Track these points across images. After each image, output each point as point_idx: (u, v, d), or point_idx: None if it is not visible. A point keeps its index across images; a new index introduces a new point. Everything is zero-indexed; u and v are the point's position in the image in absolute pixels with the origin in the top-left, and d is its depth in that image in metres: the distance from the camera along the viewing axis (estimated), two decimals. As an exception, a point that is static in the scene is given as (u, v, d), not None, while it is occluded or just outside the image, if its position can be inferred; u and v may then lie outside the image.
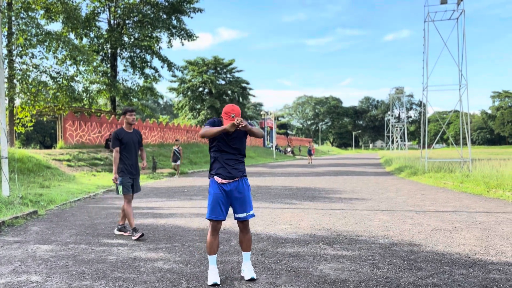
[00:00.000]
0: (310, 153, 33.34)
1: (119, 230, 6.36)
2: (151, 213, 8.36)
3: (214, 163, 4.14)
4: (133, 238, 5.97)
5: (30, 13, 19.13)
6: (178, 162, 18.42)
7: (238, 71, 54.07)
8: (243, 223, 4.18)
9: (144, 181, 16.23)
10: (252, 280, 4.08)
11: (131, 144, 6.22)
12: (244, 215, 4.13)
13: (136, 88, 29.24)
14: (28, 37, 18.70)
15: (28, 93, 19.53)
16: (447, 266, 4.51)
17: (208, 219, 4.10)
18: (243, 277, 4.17)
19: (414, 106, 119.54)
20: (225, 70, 53.26)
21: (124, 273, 4.38)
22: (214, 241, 4.14)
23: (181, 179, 17.35)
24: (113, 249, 5.41)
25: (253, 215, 4.20)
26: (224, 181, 4.07)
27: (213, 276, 4.01)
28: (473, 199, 9.94)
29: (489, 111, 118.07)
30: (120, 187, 6.05)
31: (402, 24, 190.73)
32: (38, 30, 18.97)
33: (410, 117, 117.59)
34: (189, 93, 50.90)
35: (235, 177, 4.09)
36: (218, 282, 3.98)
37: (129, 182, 6.10)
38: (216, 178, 4.10)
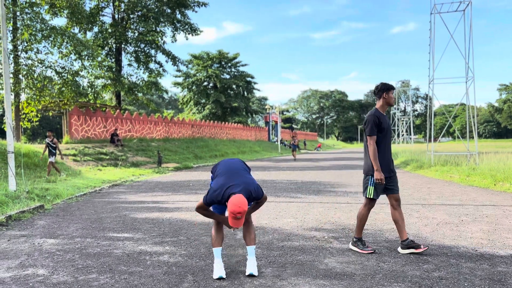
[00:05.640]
0: (294, 147, 30.01)
1: (354, 244, 4.92)
2: (157, 207, 8.38)
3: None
4: (357, 248, 4.83)
5: (34, 8, 19.15)
6: (52, 159, 13.78)
7: (242, 65, 54.00)
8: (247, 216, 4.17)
9: (150, 175, 16.29)
10: (251, 276, 4.02)
11: (389, 131, 4.83)
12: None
13: (141, 83, 29.31)
14: (33, 32, 18.75)
15: (34, 88, 19.61)
16: (453, 259, 4.48)
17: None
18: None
19: (420, 99, 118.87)
20: (230, 64, 53.20)
21: (130, 266, 4.40)
22: (219, 234, 4.14)
23: (186, 173, 17.36)
24: (118, 243, 5.43)
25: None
26: None
27: (219, 270, 4.00)
28: (479, 192, 9.88)
29: (496, 104, 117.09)
30: (371, 189, 4.72)
31: (408, 16, 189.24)
32: (43, 25, 19.02)
33: (416, 110, 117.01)
34: (193, 87, 50.93)
35: None
36: (224, 276, 3.97)
37: (382, 184, 4.72)
38: None
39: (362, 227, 4.88)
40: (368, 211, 4.86)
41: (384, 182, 4.63)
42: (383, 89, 4.79)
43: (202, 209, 4.00)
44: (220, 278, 3.95)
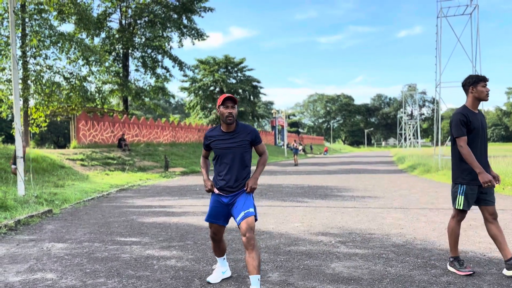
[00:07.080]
0: (296, 151, 28.03)
1: (451, 264, 4.29)
2: (164, 211, 8.41)
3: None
4: (454, 269, 4.20)
5: (43, 15, 19.36)
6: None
7: (249, 70, 54.06)
8: (245, 231, 3.54)
9: (157, 180, 16.34)
10: None
11: (482, 131, 4.13)
12: (242, 214, 3.62)
13: (147, 88, 29.48)
14: (42, 38, 18.95)
15: (42, 94, 19.79)
16: (462, 264, 4.44)
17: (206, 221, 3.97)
18: None
19: (427, 103, 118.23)
20: (236, 69, 53.29)
21: (137, 271, 4.42)
22: (217, 244, 4.03)
23: (193, 177, 17.39)
24: (126, 247, 5.46)
25: (253, 213, 3.64)
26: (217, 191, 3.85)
27: (212, 275, 4.07)
28: (488, 197, 9.79)
29: (504, 108, 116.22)
30: (461, 198, 4.12)
31: (414, 20, 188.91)
32: (51, 31, 19.21)
33: (423, 114, 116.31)
34: (200, 92, 51.04)
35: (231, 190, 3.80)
36: (212, 282, 3.99)
37: (474, 193, 4.09)
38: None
39: (456, 243, 4.24)
40: (458, 223, 4.25)
41: (494, 184, 3.92)
42: (469, 83, 4.16)
43: (202, 154, 4.14)
44: (207, 282, 4.01)
